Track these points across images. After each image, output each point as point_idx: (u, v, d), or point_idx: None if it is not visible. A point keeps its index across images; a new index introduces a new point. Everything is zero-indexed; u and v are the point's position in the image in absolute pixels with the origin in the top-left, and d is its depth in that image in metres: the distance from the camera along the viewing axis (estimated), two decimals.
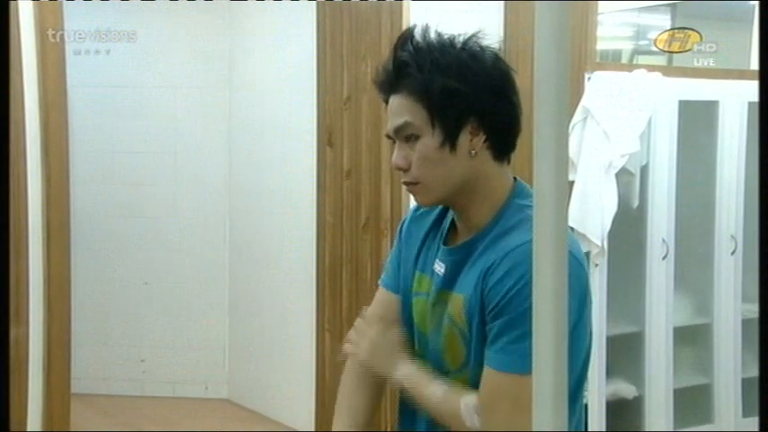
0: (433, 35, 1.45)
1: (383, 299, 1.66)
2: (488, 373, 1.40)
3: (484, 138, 1.44)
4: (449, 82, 1.40)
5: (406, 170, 1.46)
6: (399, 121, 1.44)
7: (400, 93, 1.44)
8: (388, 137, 1.50)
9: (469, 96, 1.41)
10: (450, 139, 1.42)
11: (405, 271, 1.62)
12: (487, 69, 1.43)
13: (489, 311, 1.40)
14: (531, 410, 1.33)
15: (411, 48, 1.43)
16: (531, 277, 1.31)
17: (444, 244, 1.54)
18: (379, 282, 1.70)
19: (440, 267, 1.51)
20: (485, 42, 1.46)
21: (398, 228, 1.69)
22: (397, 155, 1.47)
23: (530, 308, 1.30)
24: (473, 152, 1.44)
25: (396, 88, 1.45)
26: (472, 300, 1.43)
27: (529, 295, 1.30)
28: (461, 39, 1.45)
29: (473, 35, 1.46)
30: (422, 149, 1.43)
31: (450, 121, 1.42)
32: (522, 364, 1.34)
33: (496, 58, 1.45)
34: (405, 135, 1.45)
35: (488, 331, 1.40)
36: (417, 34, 1.46)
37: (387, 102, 1.49)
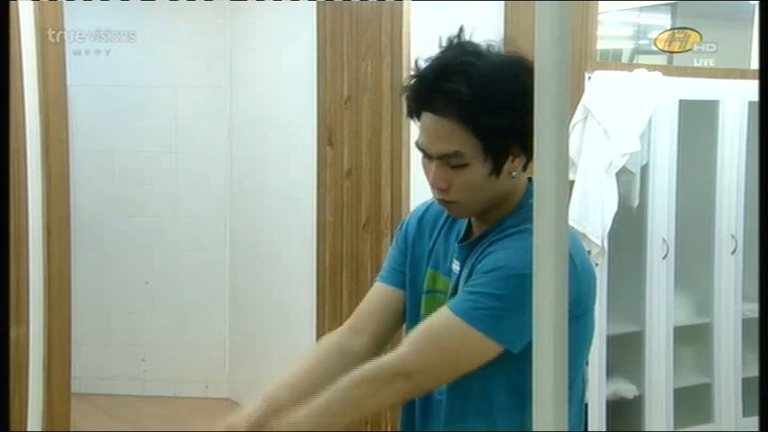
0: (478, 51, 1.40)
1: (381, 293, 1.66)
2: (443, 311, 1.43)
3: (524, 158, 1.45)
4: (505, 115, 1.37)
5: (444, 190, 1.45)
6: (449, 148, 1.40)
7: (448, 118, 1.39)
8: (422, 150, 1.45)
9: (519, 124, 1.39)
10: (499, 168, 1.42)
11: (414, 268, 1.62)
12: (531, 92, 1.42)
13: (471, 278, 1.43)
14: (463, 364, 1.38)
15: (465, 78, 1.37)
16: (514, 258, 1.37)
17: (459, 242, 1.55)
18: (378, 278, 1.69)
19: (456, 266, 1.53)
20: (524, 57, 1.42)
21: (401, 225, 1.68)
22: (437, 176, 1.43)
23: (504, 278, 1.36)
24: (513, 174, 1.45)
25: (446, 113, 1.39)
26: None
27: (506, 269, 1.37)
28: (502, 53, 1.41)
29: (512, 51, 1.43)
30: (469, 178, 1.42)
31: (501, 151, 1.41)
32: (476, 318, 1.38)
33: (531, 73, 1.44)
34: (451, 162, 1.42)
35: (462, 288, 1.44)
36: (461, 53, 1.40)
37: (416, 112, 1.44)
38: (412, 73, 1.45)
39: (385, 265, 1.69)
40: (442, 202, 1.50)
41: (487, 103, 1.37)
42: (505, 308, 1.37)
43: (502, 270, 1.39)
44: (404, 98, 1.47)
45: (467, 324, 1.38)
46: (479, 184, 1.43)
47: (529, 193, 1.50)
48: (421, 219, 1.64)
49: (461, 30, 1.45)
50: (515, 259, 1.38)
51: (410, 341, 1.43)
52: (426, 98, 1.42)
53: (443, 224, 1.60)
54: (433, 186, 1.47)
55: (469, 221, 1.55)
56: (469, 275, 1.45)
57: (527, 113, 1.39)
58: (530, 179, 1.53)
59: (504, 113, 1.37)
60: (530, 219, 1.40)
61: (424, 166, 1.48)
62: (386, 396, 1.41)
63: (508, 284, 1.37)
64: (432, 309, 1.57)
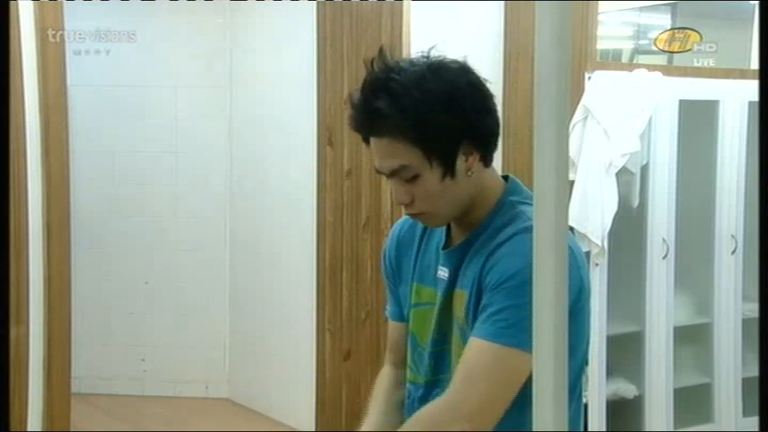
0: (400, 66, 1.42)
1: (395, 329, 1.70)
2: (471, 341, 1.42)
3: (478, 155, 1.46)
4: (436, 118, 1.39)
5: (409, 204, 1.47)
6: (395, 164, 1.43)
7: (387, 137, 1.42)
8: (378, 171, 1.48)
9: (458, 123, 1.41)
10: (450, 170, 1.43)
11: (403, 287, 1.63)
12: (465, 89, 1.43)
13: (483, 297, 1.43)
14: (513, 385, 1.37)
15: (386, 92, 1.40)
16: (523, 263, 1.37)
17: (443, 249, 1.55)
18: (387, 313, 1.72)
19: (443, 273, 1.52)
20: (448, 57, 1.45)
21: (384, 256, 1.69)
22: (398, 192, 1.46)
23: (519, 286, 1.36)
24: (470, 172, 1.45)
25: (380, 132, 1.42)
26: (473, 296, 1.45)
27: (518, 275, 1.37)
28: (426, 62, 1.43)
29: (434, 55, 1.44)
30: (424, 186, 1.43)
31: (445, 153, 1.42)
32: (505, 335, 1.37)
33: (467, 72, 1.45)
34: (402, 176, 1.44)
35: (479, 312, 1.43)
36: (383, 71, 1.42)
37: (367, 140, 1.46)
38: (349, 105, 1.47)
39: (388, 298, 1.72)
40: (413, 216, 1.52)
41: (415, 111, 1.38)
42: (530, 315, 1.36)
43: (514, 278, 1.38)
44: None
45: (498, 345, 1.38)
46: (438, 190, 1.43)
47: (509, 191, 1.51)
48: (399, 240, 1.65)
49: (381, 49, 1.47)
50: (524, 263, 1.37)
51: (455, 386, 1.42)
52: (361, 123, 1.45)
53: (421, 238, 1.61)
54: (398, 203, 1.49)
55: (448, 228, 1.56)
56: (479, 283, 1.44)
57: (466, 111, 1.42)
58: (506, 177, 1.54)
59: (435, 117, 1.39)
60: (519, 217, 1.43)
61: (389, 184, 1.50)
62: None
63: (525, 291, 1.37)
64: (418, 322, 1.58)
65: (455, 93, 1.41)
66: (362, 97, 1.43)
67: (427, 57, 1.44)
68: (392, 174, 1.44)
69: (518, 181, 1.54)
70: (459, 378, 1.42)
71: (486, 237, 1.47)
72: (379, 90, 1.40)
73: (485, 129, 1.46)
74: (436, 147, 1.41)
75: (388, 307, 1.71)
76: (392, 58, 1.45)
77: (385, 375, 1.71)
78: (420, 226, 1.60)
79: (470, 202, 1.48)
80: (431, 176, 1.42)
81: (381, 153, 1.44)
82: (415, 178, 1.43)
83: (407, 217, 1.61)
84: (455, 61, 1.45)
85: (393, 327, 1.70)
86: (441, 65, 1.43)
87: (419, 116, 1.39)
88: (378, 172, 1.49)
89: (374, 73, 1.43)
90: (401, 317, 1.66)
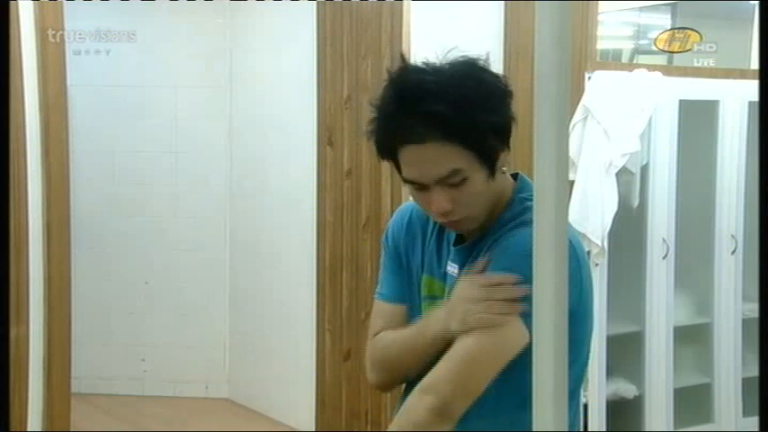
0: (433, 68, 1.40)
1: (386, 311, 1.63)
2: None
3: (508, 151, 1.46)
4: (483, 116, 1.37)
5: (450, 212, 1.42)
6: (444, 170, 1.37)
7: (432, 141, 1.36)
8: (411, 182, 1.42)
9: (497, 121, 1.41)
10: (494, 170, 1.42)
11: (410, 275, 1.61)
12: (495, 86, 1.43)
13: None
14: (479, 360, 1.37)
15: (433, 95, 1.35)
16: (517, 241, 1.39)
17: (454, 245, 1.54)
18: (377, 296, 1.66)
19: (453, 269, 1.52)
20: (472, 57, 1.44)
21: (385, 239, 1.65)
22: (441, 200, 1.40)
23: (515, 256, 1.37)
24: (504, 169, 1.46)
25: (423, 138, 1.36)
26: None
27: (504, 260, 1.39)
28: (453, 61, 1.41)
29: (461, 56, 1.43)
30: (473, 189, 1.40)
31: (492, 153, 1.41)
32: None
33: (488, 71, 1.44)
34: (449, 181, 1.39)
35: None
36: (418, 74, 1.39)
37: (393, 151, 1.41)
38: (372, 115, 1.43)
39: (384, 280, 1.65)
40: (451, 224, 1.47)
41: (461, 110, 1.35)
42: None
43: (499, 262, 1.40)
44: (372, 143, 1.45)
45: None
46: (482, 191, 1.42)
47: (519, 188, 1.51)
48: (408, 226, 1.62)
49: (403, 55, 1.46)
50: (514, 240, 1.40)
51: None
52: (401, 132, 1.38)
53: (432, 229, 1.59)
54: (439, 212, 1.43)
55: None
56: None
57: (501, 108, 1.42)
58: (514, 175, 1.54)
59: (478, 114, 1.37)
60: (524, 213, 1.43)
61: (415, 197, 1.46)
62: (418, 413, 1.39)
63: (512, 262, 1.38)
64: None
65: (490, 90, 1.41)
66: (400, 104, 1.38)
67: (443, 58, 1.42)
68: (439, 180, 1.39)
69: (527, 178, 1.54)
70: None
71: (491, 233, 1.47)
72: (425, 94, 1.36)
73: (510, 126, 1.46)
74: (485, 146, 1.39)
75: (383, 289, 1.64)
76: (411, 61, 1.44)
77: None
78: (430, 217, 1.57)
79: (494, 200, 1.48)
80: (479, 177, 1.40)
81: (426, 161, 1.38)
82: (463, 182, 1.39)
83: (414, 204, 1.56)
84: (473, 57, 1.43)
85: (389, 310, 1.62)
86: (463, 62, 1.42)
87: (467, 115, 1.36)
88: (413, 183, 1.42)
89: (402, 77, 1.40)
90: (399, 299, 1.61)
